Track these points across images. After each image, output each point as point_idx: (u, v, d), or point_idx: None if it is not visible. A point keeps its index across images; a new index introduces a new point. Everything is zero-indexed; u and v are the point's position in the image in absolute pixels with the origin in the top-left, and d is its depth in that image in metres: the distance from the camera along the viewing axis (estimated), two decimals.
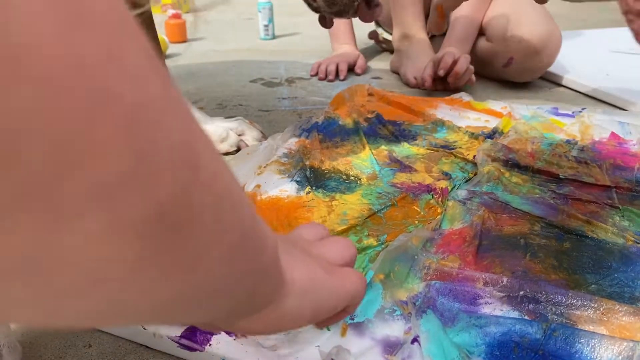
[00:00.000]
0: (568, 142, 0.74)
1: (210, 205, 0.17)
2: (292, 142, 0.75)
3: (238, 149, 0.80)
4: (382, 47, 1.48)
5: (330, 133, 0.78)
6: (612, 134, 0.76)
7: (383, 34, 1.40)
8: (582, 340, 0.39)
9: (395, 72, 1.23)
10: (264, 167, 0.68)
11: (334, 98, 0.91)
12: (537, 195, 0.60)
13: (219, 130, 0.80)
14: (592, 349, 0.38)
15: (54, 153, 0.12)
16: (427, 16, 1.20)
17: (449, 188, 0.62)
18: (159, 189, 0.14)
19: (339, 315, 0.32)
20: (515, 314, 0.43)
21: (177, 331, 0.42)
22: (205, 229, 0.17)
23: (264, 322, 0.26)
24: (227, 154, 0.79)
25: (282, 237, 0.31)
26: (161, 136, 0.14)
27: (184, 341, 0.41)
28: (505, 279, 0.45)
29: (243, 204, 0.20)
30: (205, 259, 0.18)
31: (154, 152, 0.14)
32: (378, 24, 1.41)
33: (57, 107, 0.11)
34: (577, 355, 0.38)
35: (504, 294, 0.44)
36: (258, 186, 0.63)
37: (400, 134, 0.78)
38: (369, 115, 0.83)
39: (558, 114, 0.84)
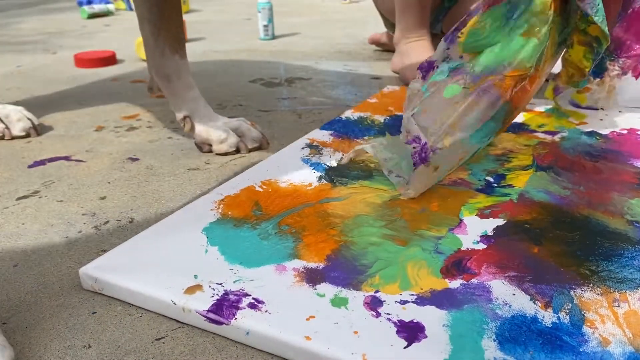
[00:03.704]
0: (589, 133, 0.76)
1: None
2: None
3: (237, 150, 0.80)
4: (383, 47, 1.48)
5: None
6: (632, 129, 0.79)
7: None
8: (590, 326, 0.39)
9: (395, 72, 1.22)
10: None
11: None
12: (551, 186, 0.61)
13: (219, 131, 0.79)
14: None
15: None
16: (431, 14, 1.20)
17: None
18: None
19: None
20: (525, 299, 0.43)
21: (204, 306, 0.43)
22: None
23: None
24: (226, 154, 0.79)
25: None
26: None
27: (211, 315, 0.42)
28: (515, 265, 0.45)
29: None
30: None
31: None
32: (387, 24, 1.40)
33: None
34: (586, 342, 0.38)
35: (513, 280, 0.44)
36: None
37: None
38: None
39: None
